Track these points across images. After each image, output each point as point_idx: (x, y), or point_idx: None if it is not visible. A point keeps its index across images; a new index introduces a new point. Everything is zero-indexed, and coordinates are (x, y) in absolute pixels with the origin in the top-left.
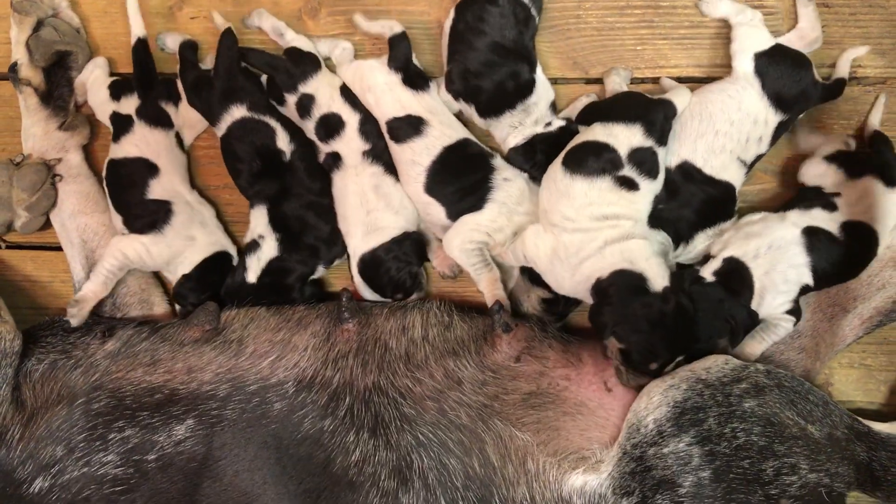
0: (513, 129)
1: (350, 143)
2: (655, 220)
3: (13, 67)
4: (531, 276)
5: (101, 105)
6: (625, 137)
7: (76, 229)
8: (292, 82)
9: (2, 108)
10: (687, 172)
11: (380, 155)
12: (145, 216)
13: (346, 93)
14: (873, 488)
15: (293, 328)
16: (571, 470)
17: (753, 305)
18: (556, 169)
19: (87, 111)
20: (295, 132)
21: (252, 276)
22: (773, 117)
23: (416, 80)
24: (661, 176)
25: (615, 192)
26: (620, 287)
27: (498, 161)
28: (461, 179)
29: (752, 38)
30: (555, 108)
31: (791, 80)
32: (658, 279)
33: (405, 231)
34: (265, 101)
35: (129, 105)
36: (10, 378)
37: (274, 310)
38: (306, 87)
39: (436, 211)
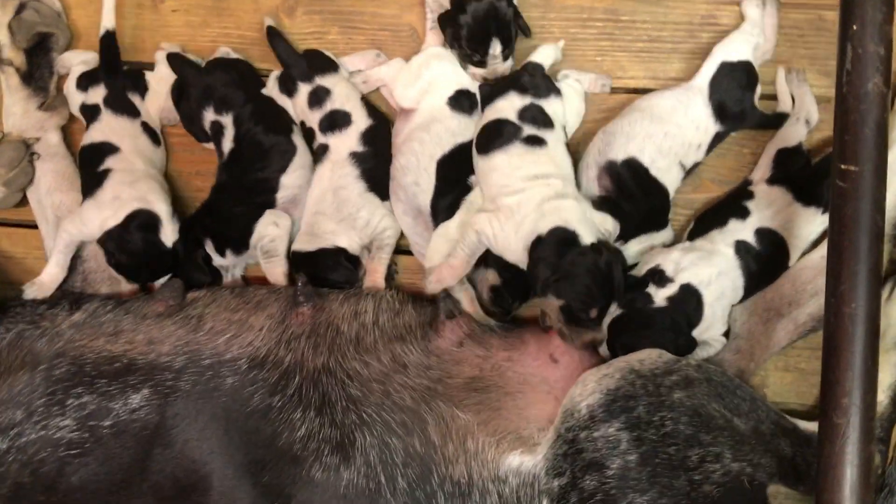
0: None
1: (345, 141)
2: (610, 207)
3: None
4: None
5: (71, 96)
6: (507, 106)
7: (51, 206)
8: (310, 74)
9: None
10: (634, 170)
11: (365, 161)
12: (88, 187)
13: (366, 102)
14: (795, 482)
15: (251, 310)
16: (509, 450)
17: (700, 330)
18: (475, 158)
19: None
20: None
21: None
22: (711, 126)
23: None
24: (560, 124)
25: (531, 152)
26: (556, 242)
27: None
28: (462, 171)
29: (735, 46)
30: None
31: (735, 97)
32: (588, 237)
33: (337, 246)
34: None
35: (97, 95)
36: None
37: (237, 292)
38: (324, 81)
39: (427, 186)
